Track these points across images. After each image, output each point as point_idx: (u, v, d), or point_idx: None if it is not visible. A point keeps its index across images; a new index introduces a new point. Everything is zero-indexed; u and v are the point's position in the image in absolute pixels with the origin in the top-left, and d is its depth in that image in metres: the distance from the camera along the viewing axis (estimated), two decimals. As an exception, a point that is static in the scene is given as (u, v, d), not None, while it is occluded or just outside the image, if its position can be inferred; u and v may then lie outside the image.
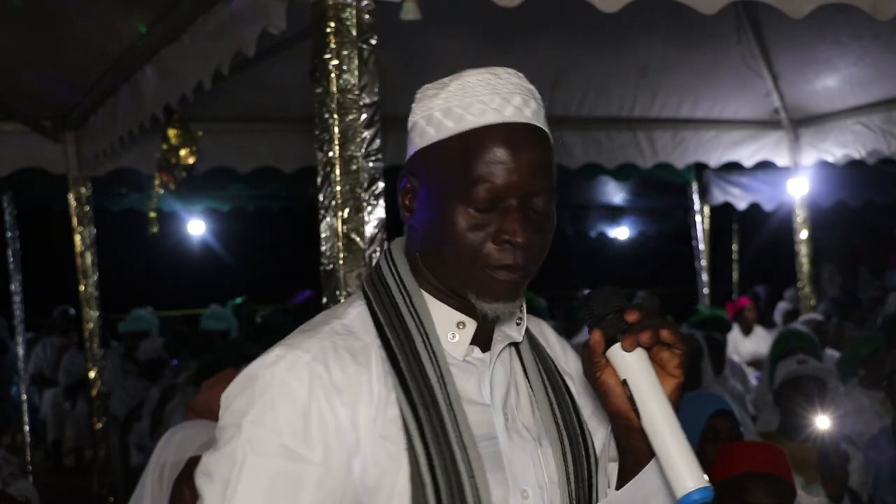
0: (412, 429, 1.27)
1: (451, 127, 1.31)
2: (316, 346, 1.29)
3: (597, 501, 1.43)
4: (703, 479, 1.22)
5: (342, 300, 2.25)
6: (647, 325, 1.28)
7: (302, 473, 1.23)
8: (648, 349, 1.29)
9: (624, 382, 1.29)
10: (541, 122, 1.35)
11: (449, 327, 1.36)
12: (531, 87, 1.36)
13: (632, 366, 1.28)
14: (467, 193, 1.29)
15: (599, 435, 1.48)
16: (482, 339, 1.39)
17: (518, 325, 1.42)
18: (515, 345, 1.44)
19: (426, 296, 1.37)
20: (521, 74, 1.37)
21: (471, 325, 1.37)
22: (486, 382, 1.37)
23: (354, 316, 1.37)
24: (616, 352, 1.29)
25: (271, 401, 1.25)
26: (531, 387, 1.43)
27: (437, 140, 1.32)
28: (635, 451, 1.34)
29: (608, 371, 1.31)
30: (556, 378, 1.48)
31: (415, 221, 1.36)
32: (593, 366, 1.31)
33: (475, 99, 1.32)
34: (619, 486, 1.37)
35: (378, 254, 2.31)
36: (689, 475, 1.23)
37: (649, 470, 1.33)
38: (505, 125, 1.30)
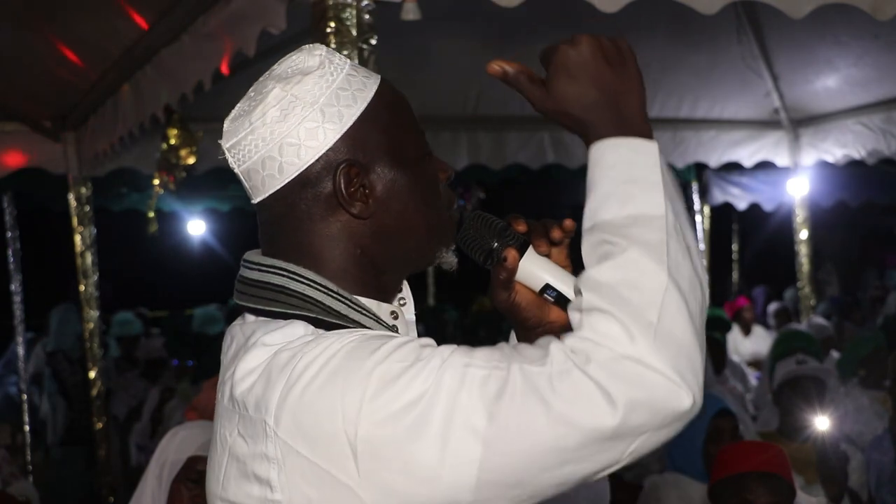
0: None
1: (368, 89, 1.24)
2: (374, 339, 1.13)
3: None
4: None
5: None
6: (542, 225, 1.31)
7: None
8: (560, 244, 1.32)
9: (545, 288, 1.30)
10: None
11: (389, 320, 1.28)
12: None
13: (548, 268, 1.30)
14: (414, 146, 1.27)
15: None
16: None
17: (404, 304, 1.34)
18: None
19: (356, 297, 1.24)
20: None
21: (401, 314, 1.30)
22: None
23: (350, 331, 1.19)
24: (527, 262, 1.30)
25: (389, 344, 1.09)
26: None
27: (360, 113, 1.22)
28: None
29: (517, 288, 1.32)
30: None
31: (375, 208, 1.23)
32: (508, 288, 1.31)
33: (346, 61, 1.26)
34: None
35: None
36: None
37: None
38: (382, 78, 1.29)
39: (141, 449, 5.90)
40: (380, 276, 1.27)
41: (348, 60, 1.26)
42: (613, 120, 1.16)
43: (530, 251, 1.30)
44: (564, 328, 1.30)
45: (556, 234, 1.31)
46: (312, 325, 1.18)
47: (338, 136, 1.21)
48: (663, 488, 3.38)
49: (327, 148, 1.21)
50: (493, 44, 5.05)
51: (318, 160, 1.21)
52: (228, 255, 11.88)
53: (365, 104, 1.22)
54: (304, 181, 1.21)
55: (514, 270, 1.29)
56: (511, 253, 1.29)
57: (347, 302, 1.21)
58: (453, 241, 1.31)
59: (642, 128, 1.17)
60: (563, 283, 1.30)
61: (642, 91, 1.21)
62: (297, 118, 1.20)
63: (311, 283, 1.21)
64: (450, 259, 1.31)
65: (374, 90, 1.24)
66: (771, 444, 3.22)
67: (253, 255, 1.28)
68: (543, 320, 1.34)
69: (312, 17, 2.52)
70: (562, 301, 1.30)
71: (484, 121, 5.98)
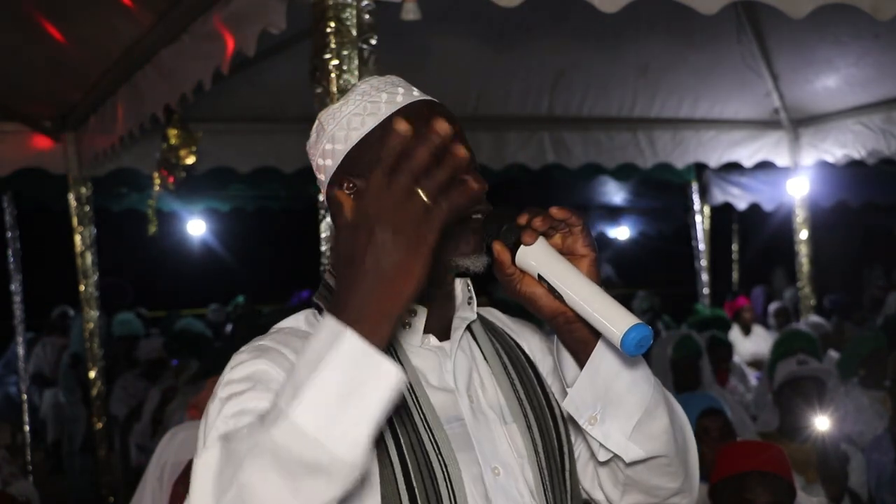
0: None
1: (382, 113, 1.36)
2: (268, 340, 1.34)
3: (571, 469, 1.45)
4: (633, 318, 1.24)
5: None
6: (537, 214, 1.34)
7: None
8: (547, 234, 1.35)
9: (539, 278, 1.33)
10: None
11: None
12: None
13: (539, 258, 1.32)
14: None
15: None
16: (438, 329, 1.42)
17: (469, 304, 1.45)
18: (470, 330, 1.48)
19: None
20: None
21: (421, 312, 1.39)
22: (449, 369, 1.40)
23: (301, 320, 1.41)
24: (523, 254, 1.33)
25: (243, 375, 1.27)
26: (491, 368, 1.46)
27: (365, 135, 1.35)
28: (585, 344, 1.36)
29: (526, 280, 1.36)
30: (517, 355, 1.51)
31: None
32: (510, 280, 1.36)
33: (383, 91, 1.38)
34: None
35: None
36: (618, 320, 1.24)
37: (598, 352, 1.35)
38: (420, 101, 1.39)
39: (141, 449, 5.90)
40: None
41: (381, 87, 1.38)
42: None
43: (541, 241, 1.33)
44: (579, 318, 1.34)
45: (536, 222, 1.33)
46: (317, 311, 1.41)
47: (342, 157, 1.37)
48: (663, 488, 3.37)
49: (336, 166, 1.38)
50: (493, 44, 5.06)
51: (332, 177, 1.39)
52: (228, 255, 11.90)
53: (372, 126, 1.36)
54: (330, 193, 1.36)
55: (502, 261, 1.35)
56: (496, 245, 1.35)
57: None
58: (473, 248, 1.36)
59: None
60: (554, 267, 1.31)
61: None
62: (321, 142, 1.40)
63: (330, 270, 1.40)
64: (470, 266, 1.36)
65: (389, 112, 1.35)
66: (771, 444, 3.22)
67: None
68: (557, 310, 1.36)
69: (312, 17, 2.52)
70: (554, 291, 1.32)
71: (484, 121, 5.98)
